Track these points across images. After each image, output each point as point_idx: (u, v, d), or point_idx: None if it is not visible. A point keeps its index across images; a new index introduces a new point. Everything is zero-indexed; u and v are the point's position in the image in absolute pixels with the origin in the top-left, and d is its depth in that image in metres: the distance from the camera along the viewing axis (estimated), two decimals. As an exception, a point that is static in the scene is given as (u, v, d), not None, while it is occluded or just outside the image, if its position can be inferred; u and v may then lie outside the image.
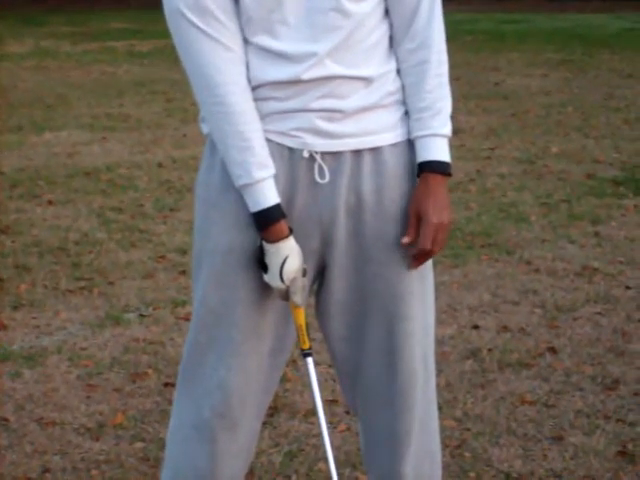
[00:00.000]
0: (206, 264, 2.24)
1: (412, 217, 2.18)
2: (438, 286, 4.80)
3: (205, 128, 2.26)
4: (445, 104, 2.21)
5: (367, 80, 2.17)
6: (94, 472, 3.20)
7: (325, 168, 2.16)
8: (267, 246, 2.14)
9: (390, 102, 2.21)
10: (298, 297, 2.18)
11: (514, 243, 5.56)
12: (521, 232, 5.77)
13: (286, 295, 2.18)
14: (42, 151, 8.14)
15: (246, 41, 2.13)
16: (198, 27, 2.08)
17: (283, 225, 2.14)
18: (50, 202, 6.48)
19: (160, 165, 7.59)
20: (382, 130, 2.20)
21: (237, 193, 2.18)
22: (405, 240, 2.17)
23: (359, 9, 2.12)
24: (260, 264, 2.17)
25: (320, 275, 2.28)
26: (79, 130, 9.09)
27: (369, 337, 2.27)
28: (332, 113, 2.15)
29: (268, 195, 2.13)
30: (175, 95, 10.67)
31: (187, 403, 2.29)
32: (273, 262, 2.14)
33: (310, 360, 2.23)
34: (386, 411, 2.31)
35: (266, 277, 2.16)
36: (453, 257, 5.30)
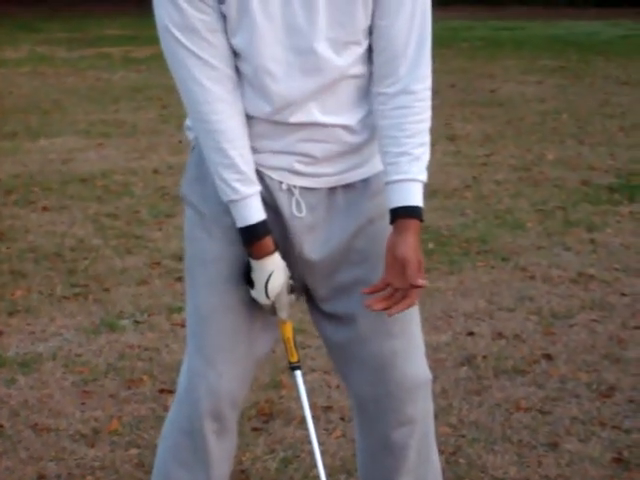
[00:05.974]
0: (197, 272, 2.26)
1: (392, 260, 2.11)
2: (433, 292, 4.84)
3: (191, 134, 2.27)
4: (424, 150, 2.14)
5: (347, 128, 2.16)
6: (89, 478, 3.19)
7: (302, 203, 2.17)
8: (253, 262, 2.16)
9: (364, 145, 2.22)
10: (284, 312, 2.21)
11: (510, 250, 5.56)
12: (517, 239, 5.77)
13: (273, 310, 2.20)
14: (37, 157, 8.13)
15: (238, 70, 2.11)
16: (184, 45, 2.06)
17: (268, 241, 2.15)
18: (45, 208, 6.47)
19: (156, 171, 7.59)
20: (355, 167, 2.22)
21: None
22: (378, 286, 2.14)
23: (342, 61, 2.09)
24: (247, 279, 2.18)
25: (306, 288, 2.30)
26: (74, 136, 9.08)
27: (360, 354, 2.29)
28: (310, 157, 2.16)
29: (253, 211, 2.13)
30: (171, 101, 10.63)
31: (180, 410, 2.31)
32: (258, 278, 2.15)
33: (298, 373, 2.23)
34: (380, 421, 2.32)
35: (253, 292, 2.18)
36: (448, 264, 5.31)
